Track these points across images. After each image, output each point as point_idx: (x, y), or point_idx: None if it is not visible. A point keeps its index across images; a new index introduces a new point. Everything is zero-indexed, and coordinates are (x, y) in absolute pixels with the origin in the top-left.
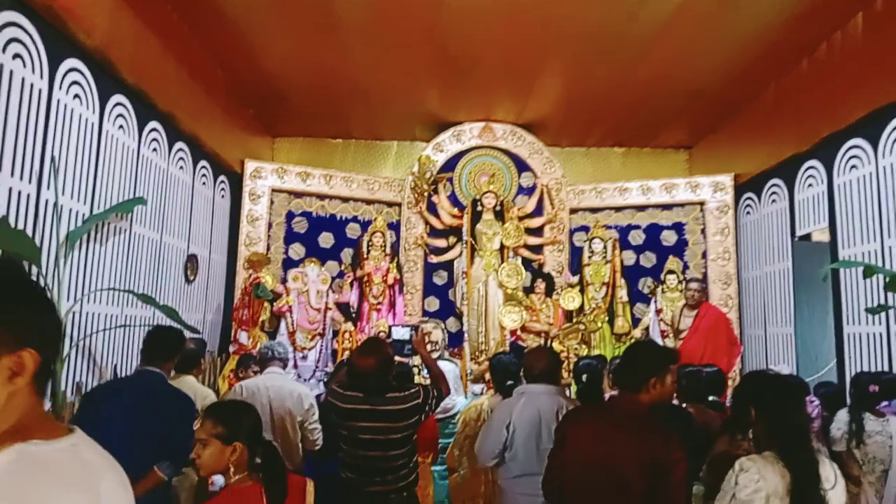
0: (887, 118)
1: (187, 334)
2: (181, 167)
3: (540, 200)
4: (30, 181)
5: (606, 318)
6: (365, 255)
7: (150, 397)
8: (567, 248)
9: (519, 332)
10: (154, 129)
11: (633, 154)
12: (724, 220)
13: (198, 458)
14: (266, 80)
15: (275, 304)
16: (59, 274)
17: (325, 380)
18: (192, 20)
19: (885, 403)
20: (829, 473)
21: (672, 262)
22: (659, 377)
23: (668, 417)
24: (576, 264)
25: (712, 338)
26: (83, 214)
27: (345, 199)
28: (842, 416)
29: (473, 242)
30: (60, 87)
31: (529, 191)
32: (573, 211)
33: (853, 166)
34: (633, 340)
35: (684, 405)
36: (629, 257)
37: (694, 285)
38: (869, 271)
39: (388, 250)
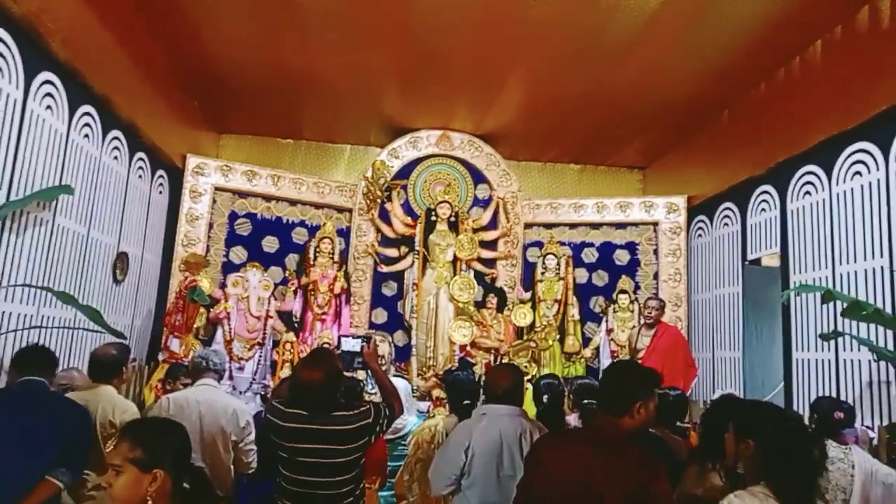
0: (843, 145)
1: (108, 339)
2: (115, 157)
3: (495, 213)
4: None
5: (557, 337)
6: (311, 262)
7: (31, 407)
8: (520, 264)
9: (469, 348)
10: (87, 114)
11: (588, 171)
12: (677, 242)
13: (108, 488)
14: (214, 71)
15: (212, 310)
16: None
17: (262, 393)
18: None
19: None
20: None
21: (624, 282)
22: (644, 402)
23: (643, 445)
24: (528, 280)
25: (670, 359)
26: None
27: (293, 202)
28: None
29: (426, 253)
30: None
31: (485, 203)
32: (528, 226)
33: (807, 192)
34: (613, 362)
35: (651, 430)
36: (582, 275)
37: (653, 303)
38: (828, 296)
39: (336, 258)
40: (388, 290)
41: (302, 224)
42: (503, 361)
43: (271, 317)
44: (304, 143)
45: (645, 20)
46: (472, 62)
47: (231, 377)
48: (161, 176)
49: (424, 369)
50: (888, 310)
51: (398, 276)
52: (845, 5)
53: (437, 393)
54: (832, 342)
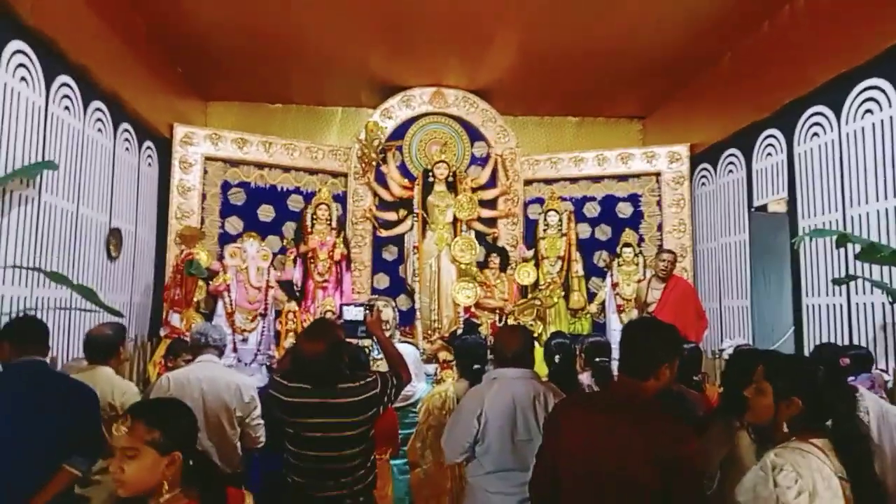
0: (851, 84)
1: (105, 318)
2: (99, 130)
3: (494, 171)
4: None
5: (562, 293)
6: (309, 230)
7: (40, 391)
8: (521, 221)
9: (473, 309)
10: (65, 84)
11: (587, 124)
12: (680, 192)
13: (119, 474)
14: (196, 36)
15: (211, 282)
16: None
17: (268, 364)
18: None
19: (851, 378)
20: None
21: (628, 235)
22: (671, 363)
23: (667, 403)
24: (530, 238)
25: (681, 311)
26: None
27: (286, 169)
28: None
29: (425, 215)
30: None
31: (483, 161)
32: (527, 182)
33: (815, 134)
34: (634, 319)
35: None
36: (584, 230)
37: (667, 256)
38: (843, 240)
39: (333, 224)
40: (389, 254)
41: (297, 191)
42: (508, 321)
43: (272, 287)
44: (293, 107)
45: None
46: (460, 15)
47: (235, 349)
48: (149, 147)
49: (429, 332)
50: None
51: (398, 240)
52: None
53: (443, 355)
54: (844, 286)
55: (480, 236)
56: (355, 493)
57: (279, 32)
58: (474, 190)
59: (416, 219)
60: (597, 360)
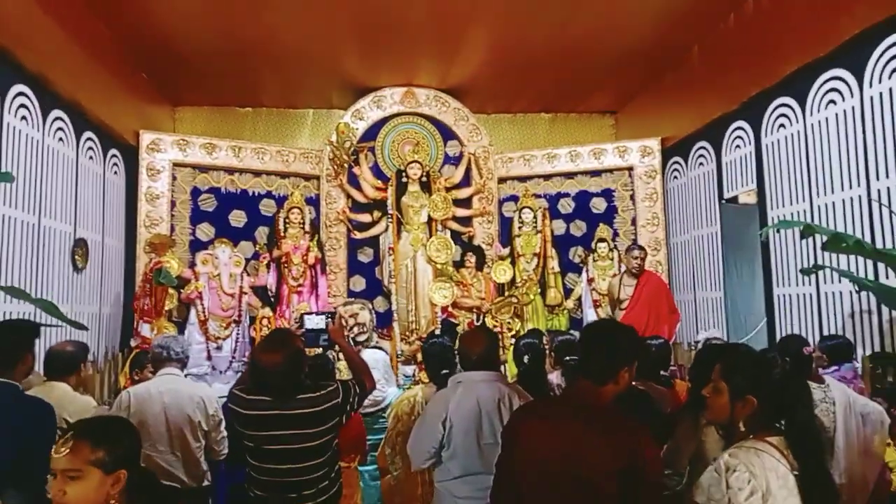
0: (815, 74)
1: (71, 332)
2: (60, 139)
3: (467, 170)
4: None
5: (538, 290)
6: (282, 234)
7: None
8: (496, 219)
9: (451, 309)
10: (21, 94)
11: (559, 120)
12: (653, 185)
13: (61, 497)
14: (161, 40)
15: (183, 290)
16: None
17: (244, 371)
18: None
19: (833, 369)
20: None
21: (602, 230)
22: (630, 367)
23: (629, 403)
24: (506, 236)
25: (654, 306)
26: None
27: (257, 173)
28: None
29: (399, 216)
30: None
31: (456, 160)
32: (501, 180)
33: (781, 125)
34: (592, 322)
35: (633, 383)
36: (559, 226)
37: (638, 252)
38: (808, 231)
39: (307, 227)
40: (365, 256)
41: (269, 195)
42: (486, 320)
43: (245, 293)
44: (263, 110)
45: None
46: (429, 14)
47: (209, 357)
48: (115, 155)
49: (407, 333)
50: (867, 239)
51: (373, 242)
52: None
53: (421, 357)
54: (812, 275)
55: (456, 235)
56: None
57: (248, 35)
58: (448, 189)
59: (390, 220)
60: (567, 358)
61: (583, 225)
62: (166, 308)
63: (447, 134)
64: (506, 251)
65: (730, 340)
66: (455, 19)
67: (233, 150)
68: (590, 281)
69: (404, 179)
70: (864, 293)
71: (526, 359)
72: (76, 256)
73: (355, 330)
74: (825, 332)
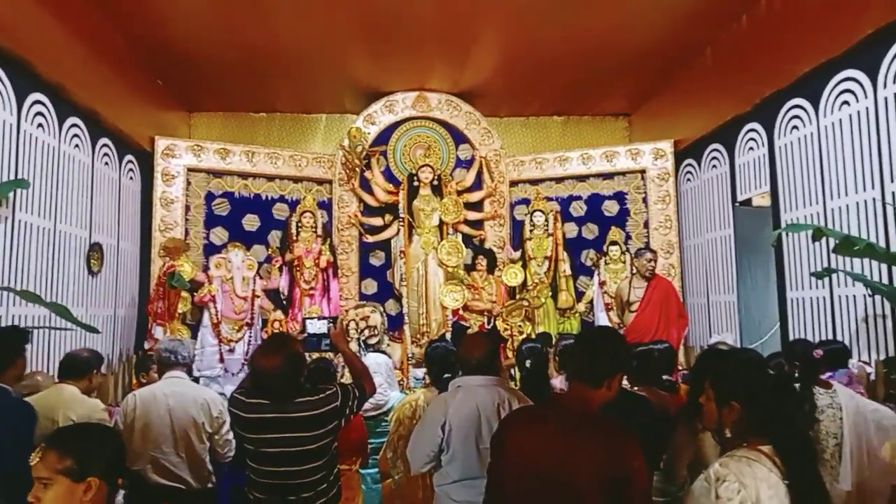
0: (829, 75)
1: (83, 335)
2: (76, 146)
3: (479, 173)
4: None
5: (550, 294)
6: (294, 238)
7: None
8: (508, 223)
9: (461, 312)
10: (38, 102)
11: (572, 123)
12: (665, 188)
13: (36, 502)
14: (177, 48)
15: (196, 293)
16: None
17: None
18: None
19: (828, 374)
20: None
21: (615, 233)
22: (621, 374)
23: (625, 408)
24: (517, 239)
25: (664, 310)
26: None
27: (270, 178)
28: None
29: (411, 220)
30: None
31: (468, 164)
32: (513, 183)
33: (794, 127)
34: (591, 329)
35: (635, 388)
36: (571, 229)
37: (651, 255)
38: (819, 234)
39: (319, 231)
40: (376, 259)
41: (282, 199)
42: (497, 323)
43: (258, 296)
44: (277, 115)
45: None
46: (441, 16)
47: (222, 360)
48: (130, 161)
49: (418, 336)
50: (881, 242)
51: (385, 245)
52: None
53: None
54: (826, 279)
55: (467, 239)
56: None
57: (261, 41)
58: (460, 193)
59: (402, 223)
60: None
61: (595, 228)
62: (179, 311)
63: (459, 137)
64: (517, 254)
65: (742, 345)
66: (467, 23)
67: (246, 154)
68: (601, 284)
69: (416, 183)
70: (877, 297)
71: (528, 363)
72: (91, 260)
73: (366, 333)
74: (838, 337)
